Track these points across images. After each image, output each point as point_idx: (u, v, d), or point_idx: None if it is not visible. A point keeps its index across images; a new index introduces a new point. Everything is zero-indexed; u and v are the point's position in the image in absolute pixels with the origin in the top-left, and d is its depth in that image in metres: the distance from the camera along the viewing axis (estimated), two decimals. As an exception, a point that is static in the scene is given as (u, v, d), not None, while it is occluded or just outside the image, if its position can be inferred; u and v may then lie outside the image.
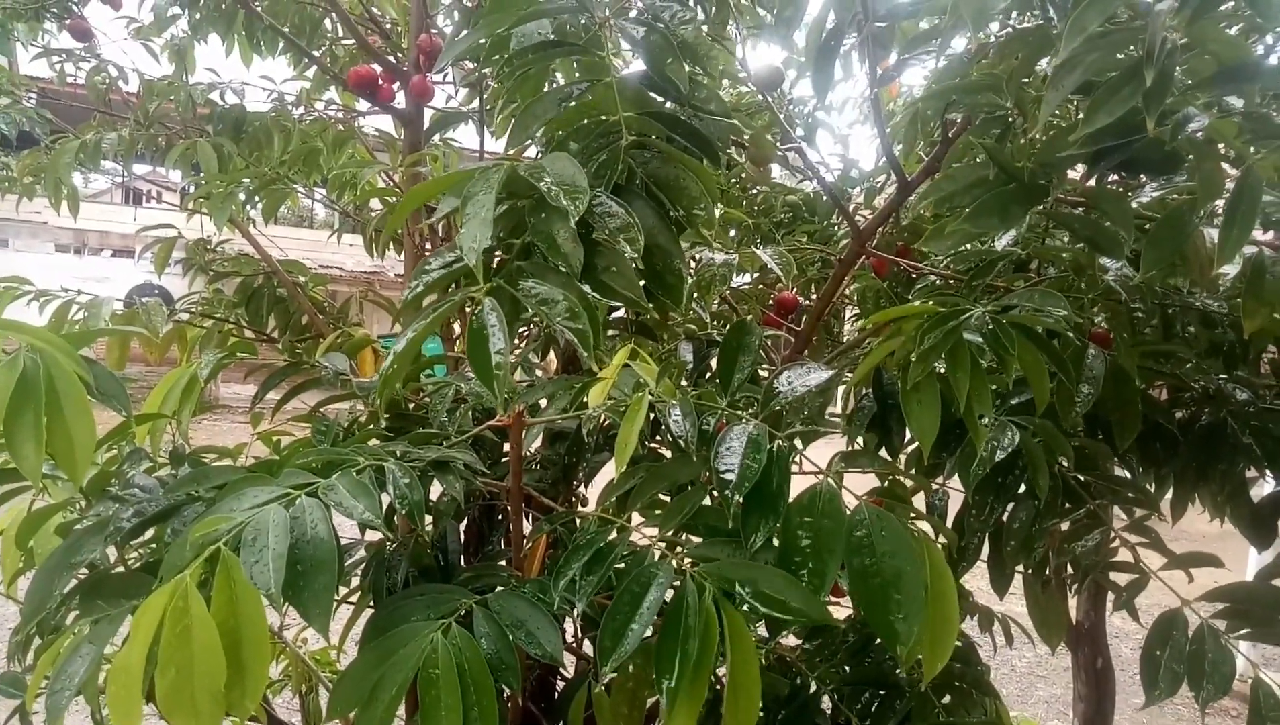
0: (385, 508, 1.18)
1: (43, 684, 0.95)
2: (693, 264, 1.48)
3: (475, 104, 2.00)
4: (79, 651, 0.94)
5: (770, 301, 2.07)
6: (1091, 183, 1.08)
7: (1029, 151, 1.03)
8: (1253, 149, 0.84)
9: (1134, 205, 1.15)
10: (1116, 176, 1.46)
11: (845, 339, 2.40)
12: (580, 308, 0.79)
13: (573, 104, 0.96)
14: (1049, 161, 0.95)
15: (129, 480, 1.22)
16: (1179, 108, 0.86)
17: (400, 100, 1.96)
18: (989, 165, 0.96)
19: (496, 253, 0.89)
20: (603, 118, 0.95)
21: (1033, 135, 1.03)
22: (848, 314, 2.50)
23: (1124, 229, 0.98)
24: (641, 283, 1.00)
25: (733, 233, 2.52)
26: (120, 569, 1.21)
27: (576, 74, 1.08)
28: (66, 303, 1.74)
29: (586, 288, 0.85)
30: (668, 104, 1.01)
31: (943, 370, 1.05)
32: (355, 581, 1.53)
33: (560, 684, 1.76)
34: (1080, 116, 0.89)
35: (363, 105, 2.35)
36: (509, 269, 0.85)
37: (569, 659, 1.81)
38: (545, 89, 1.03)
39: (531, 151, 1.46)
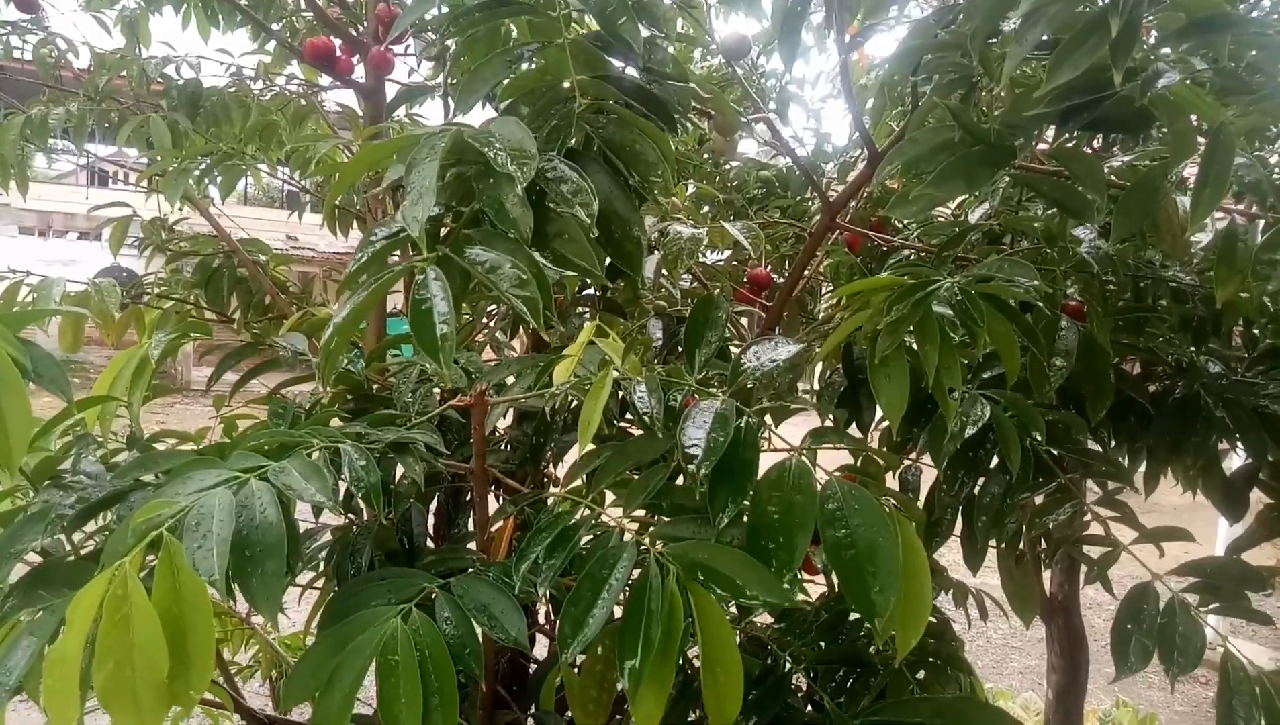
0: (345, 490, 1.15)
1: (-18, 678, 0.92)
2: (660, 238, 1.45)
3: (440, 78, 1.95)
4: (19, 644, 0.91)
5: (744, 279, 2.05)
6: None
7: (995, 113, 1.00)
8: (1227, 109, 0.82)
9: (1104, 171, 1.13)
10: (1092, 147, 1.44)
11: (820, 316, 2.38)
12: (529, 275, 0.76)
13: (523, 66, 0.92)
14: (1016, 122, 0.93)
15: (78, 466, 1.18)
16: (1147, 65, 0.83)
17: (360, 73, 1.91)
18: (954, 128, 0.93)
19: (447, 221, 0.86)
20: (558, 82, 0.92)
21: (998, 92, 1.01)
22: (823, 291, 2.48)
23: (1095, 191, 0.96)
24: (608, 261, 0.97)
25: (706, 209, 2.49)
26: (72, 559, 1.17)
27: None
28: (15, 283, 1.68)
29: (538, 256, 0.81)
30: (627, 69, 0.98)
31: (913, 344, 1.02)
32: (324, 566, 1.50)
33: (533, 667, 1.73)
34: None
35: (325, 80, 2.29)
36: (456, 237, 0.81)
37: (541, 641, 1.79)
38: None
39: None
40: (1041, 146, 1.43)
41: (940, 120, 0.96)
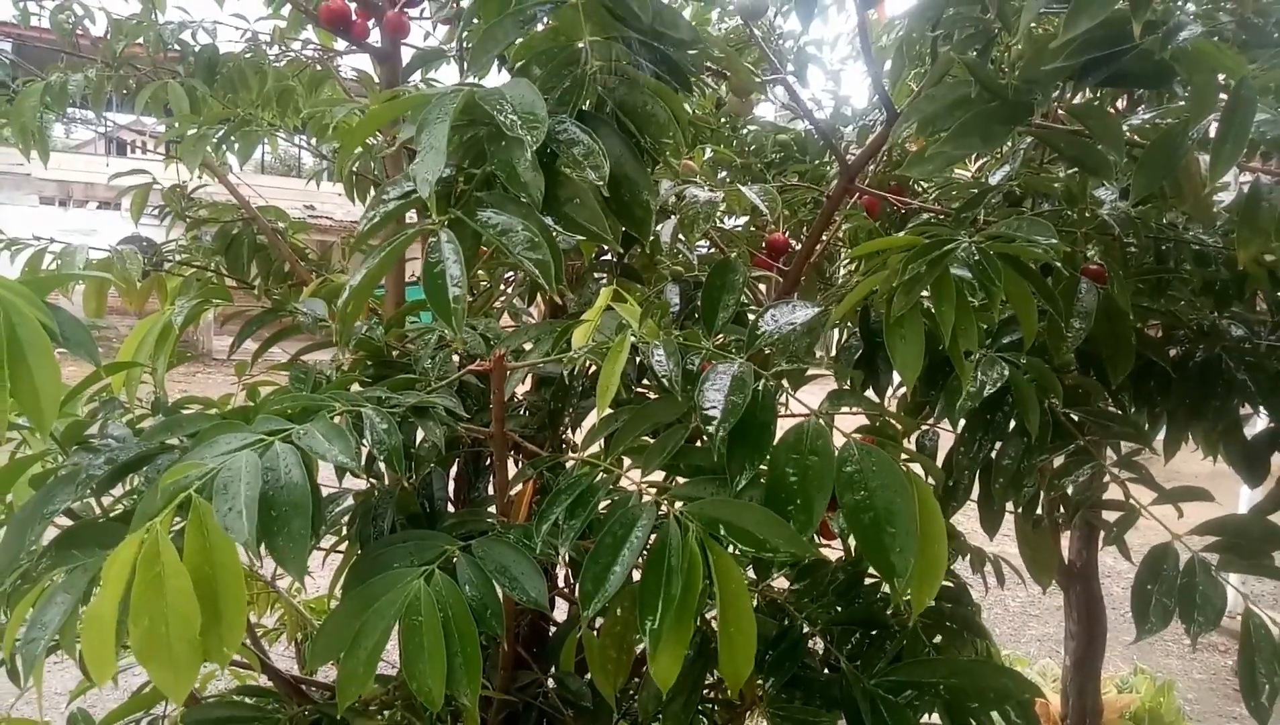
0: (367, 454, 1.16)
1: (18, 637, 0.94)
2: (677, 202, 1.45)
3: (455, 43, 1.94)
4: (54, 600, 0.93)
5: (761, 245, 2.04)
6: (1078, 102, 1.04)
7: (1013, 68, 0.98)
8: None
9: (1124, 130, 1.11)
10: (1116, 109, 1.41)
11: (838, 282, 2.37)
12: (541, 238, 0.76)
13: (538, 27, 0.91)
14: (1034, 77, 0.91)
15: (105, 430, 1.20)
16: (1169, 17, 0.81)
17: (376, 37, 1.90)
18: (970, 84, 0.92)
19: (459, 183, 0.86)
20: (571, 43, 0.91)
21: (1014, 44, 0.99)
22: (841, 257, 2.47)
23: (1113, 148, 0.95)
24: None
25: (723, 174, 2.47)
26: (102, 521, 1.19)
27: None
28: (39, 251, 1.70)
29: (549, 221, 0.82)
30: (640, 31, 0.97)
31: (930, 306, 1.02)
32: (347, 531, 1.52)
33: (553, 630, 1.76)
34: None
35: (340, 45, 2.28)
36: (468, 199, 0.81)
37: (561, 604, 1.81)
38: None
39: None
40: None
41: (958, 77, 0.95)
